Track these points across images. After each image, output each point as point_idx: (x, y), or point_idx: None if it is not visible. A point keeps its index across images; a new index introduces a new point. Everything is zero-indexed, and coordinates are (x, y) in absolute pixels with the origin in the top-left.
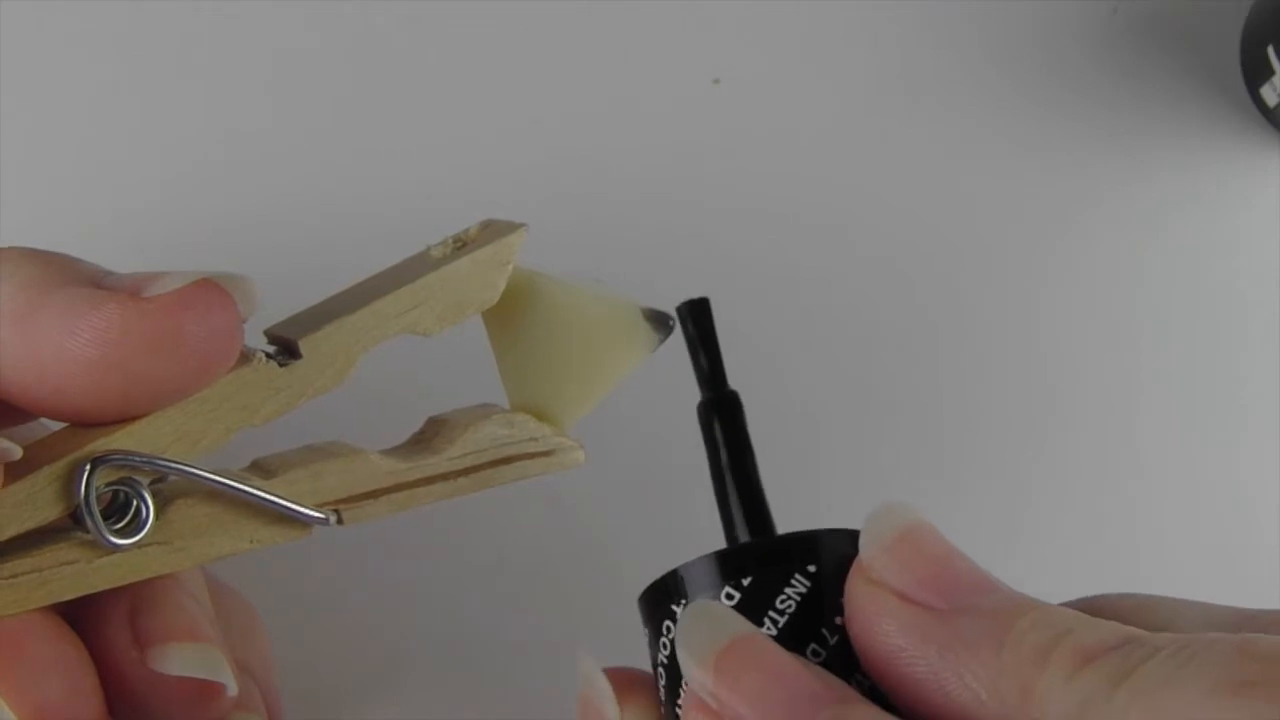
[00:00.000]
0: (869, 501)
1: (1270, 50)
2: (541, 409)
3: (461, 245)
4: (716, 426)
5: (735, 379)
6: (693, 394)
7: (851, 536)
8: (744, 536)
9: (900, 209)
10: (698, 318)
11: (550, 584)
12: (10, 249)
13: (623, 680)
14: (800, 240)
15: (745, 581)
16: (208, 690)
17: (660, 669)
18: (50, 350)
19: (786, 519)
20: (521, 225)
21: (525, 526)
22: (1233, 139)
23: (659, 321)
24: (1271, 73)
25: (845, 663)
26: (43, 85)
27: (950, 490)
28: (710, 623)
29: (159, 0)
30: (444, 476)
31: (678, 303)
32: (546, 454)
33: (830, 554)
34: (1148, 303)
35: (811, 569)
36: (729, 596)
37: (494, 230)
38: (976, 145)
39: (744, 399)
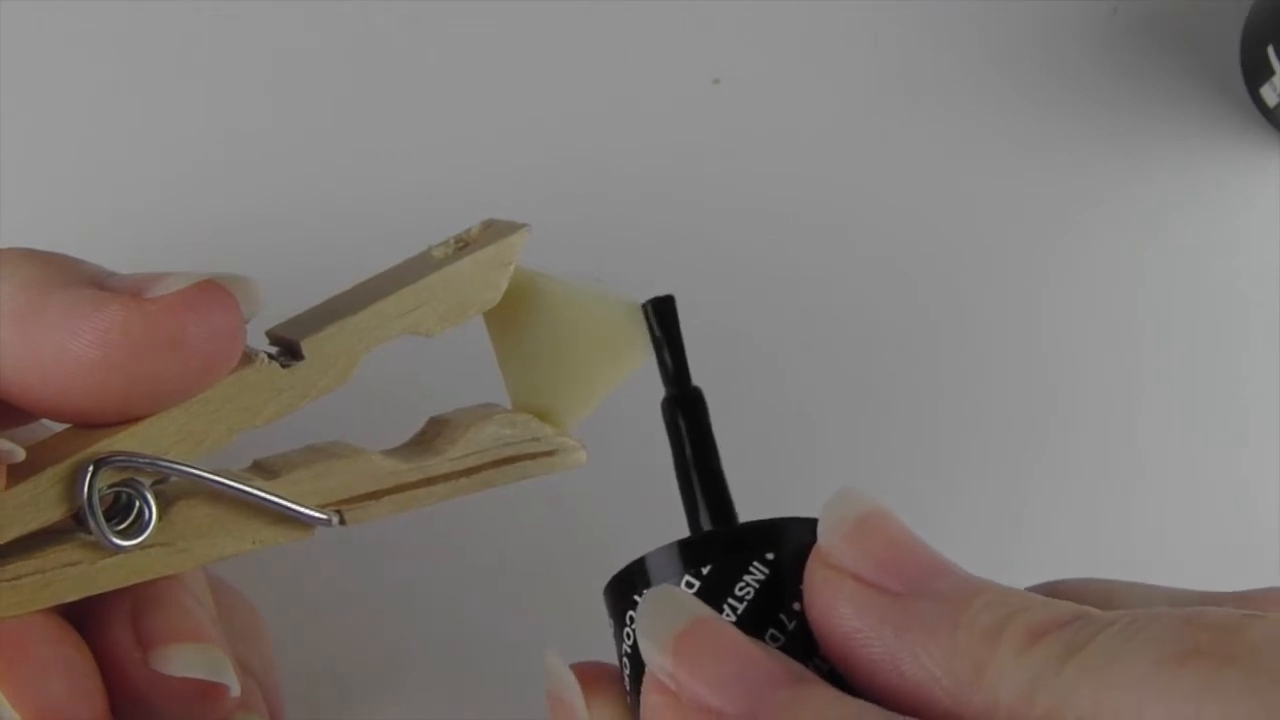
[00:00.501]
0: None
1: (1270, 50)
2: (543, 409)
3: (463, 245)
4: (680, 422)
5: (735, 378)
6: None
7: (811, 525)
8: (707, 528)
9: (900, 209)
10: (662, 315)
11: (551, 585)
12: (11, 250)
13: (590, 673)
14: (800, 240)
15: (705, 570)
16: (210, 691)
17: (625, 659)
18: (52, 351)
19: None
20: (523, 225)
21: (526, 527)
22: (1233, 139)
23: None
24: (1271, 73)
25: (803, 647)
26: (43, 85)
27: (950, 490)
28: (669, 607)
29: (159, 0)
30: (446, 477)
31: (679, 303)
32: (548, 454)
33: (788, 541)
34: (1148, 303)
35: (770, 556)
36: (689, 585)
37: (496, 230)
38: (976, 145)
39: (744, 398)
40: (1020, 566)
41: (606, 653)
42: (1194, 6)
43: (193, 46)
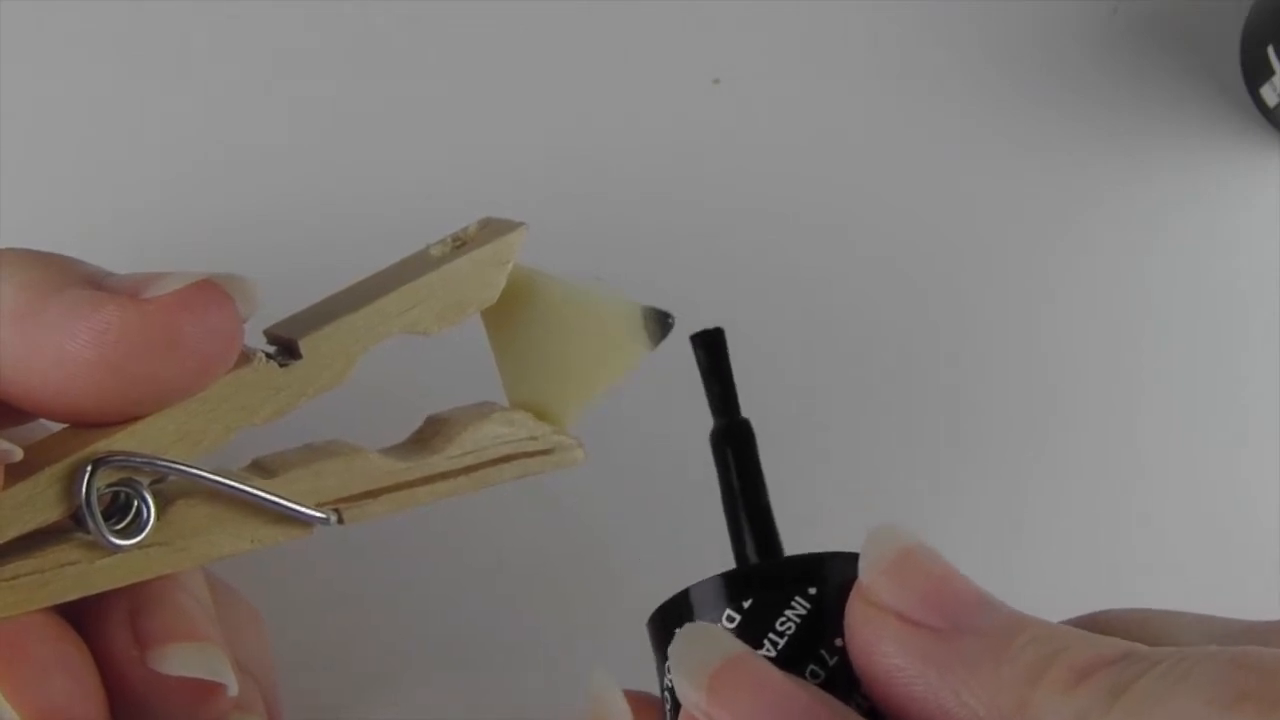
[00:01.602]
0: (866, 500)
1: (1270, 50)
2: (541, 407)
3: (461, 244)
4: (729, 454)
5: (734, 377)
6: (694, 394)
7: (853, 560)
8: (753, 560)
9: (900, 209)
10: (710, 348)
11: (550, 585)
12: (9, 250)
13: (635, 702)
14: (800, 240)
15: (746, 604)
16: (208, 690)
17: (667, 693)
18: (50, 351)
19: (782, 516)
20: (521, 224)
21: (525, 527)
22: (1233, 139)
23: (658, 320)
24: (1271, 73)
25: (844, 683)
26: (43, 85)
27: (950, 490)
28: (704, 644)
29: (159, 0)
30: (444, 475)
31: (678, 303)
32: (546, 453)
33: (830, 577)
34: (1148, 303)
35: (811, 591)
36: (730, 619)
37: (493, 229)
38: (976, 145)
39: (743, 398)
40: (1020, 566)
41: (606, 652)
42: (1194, 6)
43: (193, 46)
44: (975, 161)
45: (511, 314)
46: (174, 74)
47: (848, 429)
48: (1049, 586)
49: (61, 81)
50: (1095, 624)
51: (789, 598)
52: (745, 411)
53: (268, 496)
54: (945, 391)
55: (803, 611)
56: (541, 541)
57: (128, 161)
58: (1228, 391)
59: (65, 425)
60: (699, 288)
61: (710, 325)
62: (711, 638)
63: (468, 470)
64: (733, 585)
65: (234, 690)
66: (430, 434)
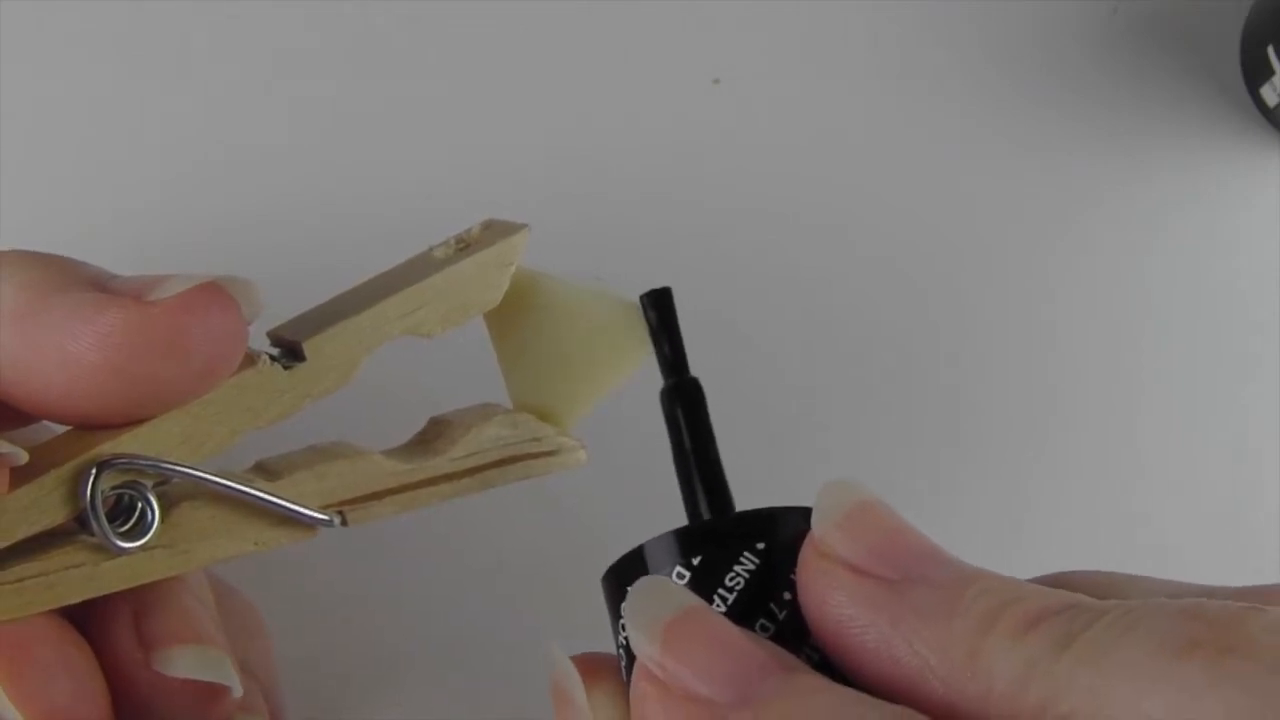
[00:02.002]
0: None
1: (1270, 50)
2: (544, 409)
3: (464, 246)
4: (679, 412)
5: (735, 377)
6: None
7: (803, 514)
8: (705, 517)
9: (900, 209)
10: (659, 307)
11: (549, 585)
12: (12, 251)
13: (590, 664)
14: (800, 240)
15: (695, 560)
16: (212, 692)
17: (621, 650)
18: (54, 354)
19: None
20: (524, 226)
21: (526, 527)
22: (1233, 139)
23: None
24: (1271, 73)
25: (795, 636)
26: (43, 85)
27: (949, 490)
28: (657, 597)
29: (159, 0)
30: (447, 477)
31: (679, 303)
32: (549, 454)
33: (780, 531)
34: (1148, 303)
35: (760, 546)
36: (680, 575)
37: (496, 231)
38: (976, 145)
39: (744, 398)
40: (1019, 566)
41: (606, 649)
42: (1194, 6)
43: (193, 46)
44: (975, 161)
45: (514, 315)
46: (174, 74)
47: (848, 428)
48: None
49: (61, 81)
50: (1059, 583)
51: (738, 553)
52: (746, 411)
53: (271, 499)
54: (945, 391)
55: (751, 566)
56: (541, 542)
57: (128, 161)
58: (1228, 391)
59: (69, 428)
60: (699, 288)
61: (710, 335)
62: (665, 591)
63: (471, 472)
64: (683, 542)
65: (237, 692)
66: (433, 436)
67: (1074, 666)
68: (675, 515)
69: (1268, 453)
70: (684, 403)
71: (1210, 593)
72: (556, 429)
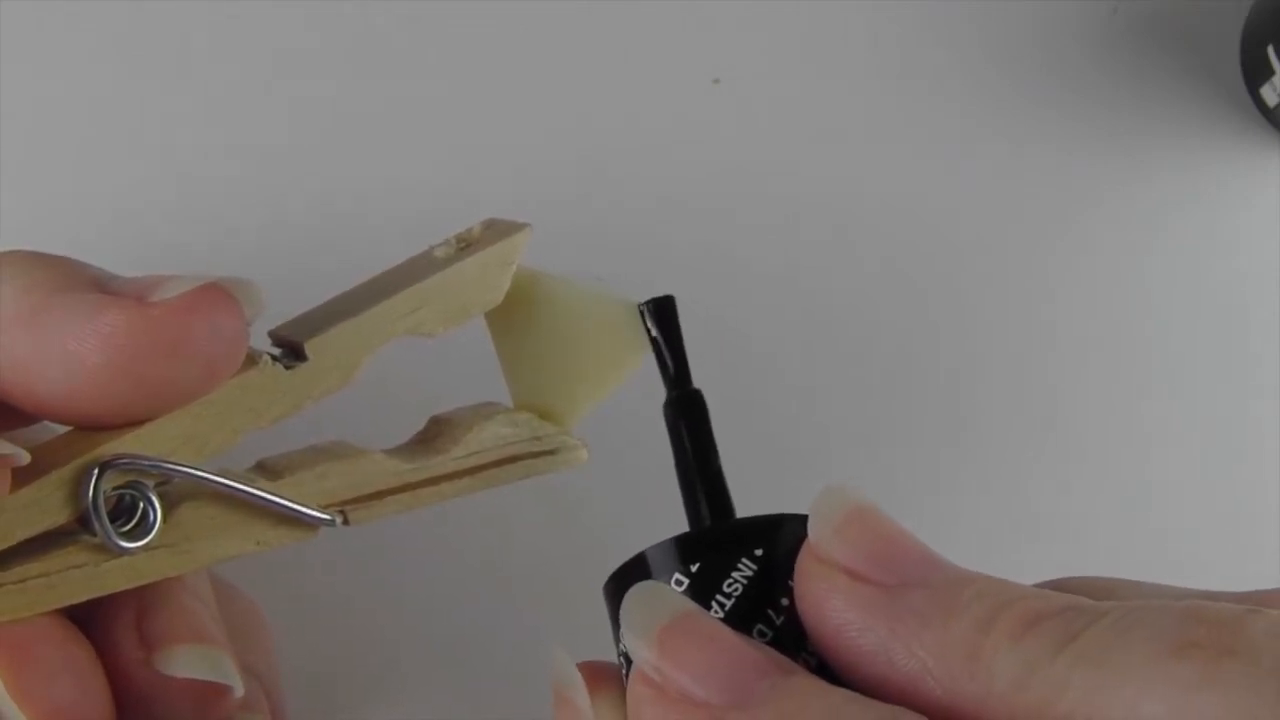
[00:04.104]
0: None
1: (1270, 50)
2: (545, 408)
3: (465, 245)
4: (681, 424)
5: (735, 377)
6: None
7: (800, 521)
8: (706, 524)
9: (900, 209)
10: (661, 316)
11: (551, 585)
12: (14, 252)
13: (594, 671)
14: (800, 240)
15: (694, 567)
16: (214, 691)
17: (622, 656)
18: (56, 355)
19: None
20: (525, 225)
21: (526, 527)
22: (1233, 139)
23: None
24: (1271, 73)
25: (793, 641)
26: (43, 85)
27: (949, 490)
28: (652, 602)
29: (159, 0)
30: (449, 476)
31: (680, 307)
32: (550, 453)
33: (777, 537)
34: (1148, 303)
35: (758, 553)
36: (679, 582)
37: (498, 230)
38: (976, 145)
39: (743, 398)
40: (1018, 565)
41: (607, 651)
42: (1194, 6)
43: (193, 47)
44: (975, 162)
45: (515, 315)
46: (174, 74)
47: (847, 428)
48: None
49: (61, 81)
50: (1058, 588)
51: (735, 559)
52: (746, 410)
53: (273, 498)
54: (945, 391)
55: (749, 573)
56: (542, 541)
57: (128, 161)
58: (1228, 391)
59: (70, 428)
60: (698, 287)
61: (710, 335)
62: (660, 596)
63: (472, 471)
64: (682, 549)
65: (239, 691)
66: (434, 435)
67: (1073, 667)
68: (675, 513)
69: (1268, 452)
70: (686, 415)
71: (1211, 597)
72: (557, 428)
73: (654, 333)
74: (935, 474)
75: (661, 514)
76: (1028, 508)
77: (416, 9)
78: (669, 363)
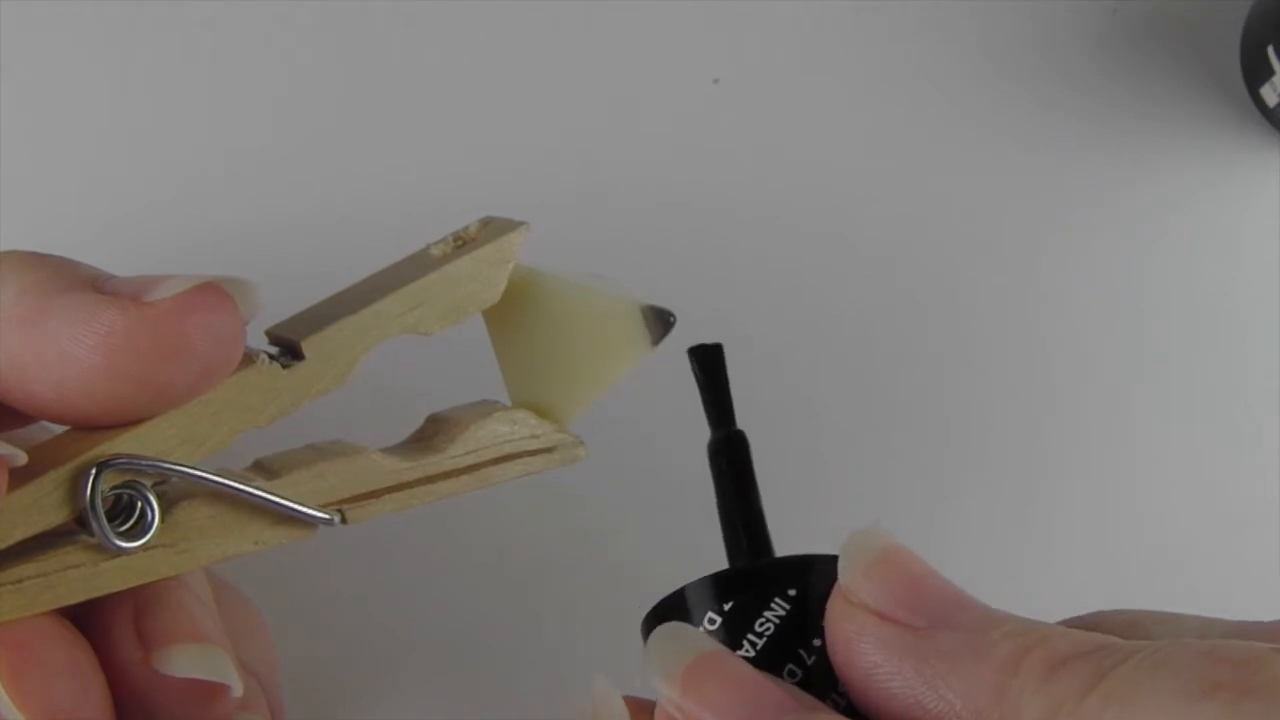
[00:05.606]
0: (865, 503)
1: (1270, 50)
2: (542, 406)
3: (462, 243)
4: (724, 464)
5: (734, 377)
6: (694, 394)
7: (834, 562)
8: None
9: (900, 209)
10: (707, 363)
11: (550, 584)
12: (11, 252)
13: (634, 706)
14: (799, 240)
15: (727, 606)
16: (212, 691)
17: None
18: (53, 355)
19: (782, 521)
20: (522, 223)
21: (526, 526)
22: (1233, 139)
23: (659, 319)
24: (1271, 73)
25: (823, 682)
26: (43, 85)
27: (948, 490)
28: (677, 642)
29: (159, 1)
30: (446, 475)
31: (677, 303)
32: (548, 451)
33: (810, 579)
34: (1147, 302)
35: (791, 593)
36: (711, 621)
37: (495, 228)
38: (976, 145)
39: (741, 398)
40: (1021, 568)
41: (607, 651)
42: (1194, 6)
43: (193, 48)
44: (975, 161)
45: (512, 313)
46: (174, 75)
47: (846, 428)
48: (1050, 588)
49: (61, 82)
50: (1086, 625)
51: (768, 599)
52: (744, 414)
53: (271, 498)
54: (945, 392)
55: (781, 613)
56: (541, 541)
57: (127, 163)
58: (1228, 392)
59: (68, 428)
60: (698, 287)
61: (710, 335)
62: (684, 636)
63: (470, 469)
64: (717, 587)
65: (238, 691)
66: (432, 433)
67: (1101, 708)
68: (675, 513)
69: (1268, 453)
70: (729, 457)
71: (1241, 630)
72: (555, 426)
73: (699, 377)
74: (935, 476)
75: (662, 512)
76: (1027, 509)
77: (416, 9)
78: (713, 407)
